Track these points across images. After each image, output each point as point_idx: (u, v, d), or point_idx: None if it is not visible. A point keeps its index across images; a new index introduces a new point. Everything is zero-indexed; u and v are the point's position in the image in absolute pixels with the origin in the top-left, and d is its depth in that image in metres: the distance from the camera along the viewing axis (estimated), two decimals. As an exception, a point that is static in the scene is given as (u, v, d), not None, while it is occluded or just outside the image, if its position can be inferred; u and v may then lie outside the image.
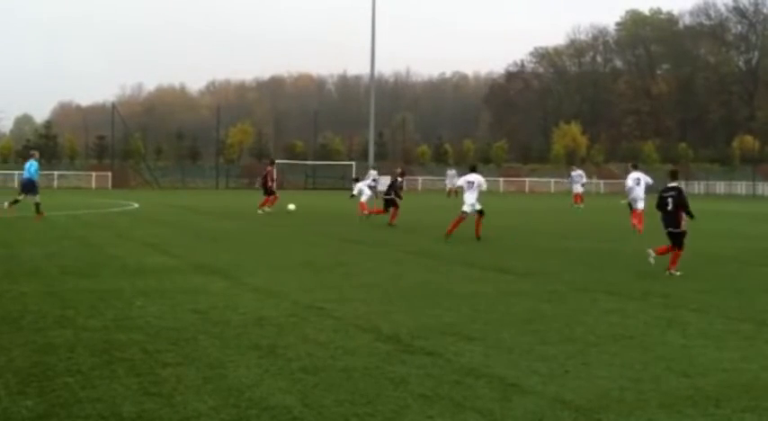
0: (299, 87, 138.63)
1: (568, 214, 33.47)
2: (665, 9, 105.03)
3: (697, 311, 9.98)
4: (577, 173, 41.53)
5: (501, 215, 32.11)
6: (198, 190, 63.82)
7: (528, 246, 18.45)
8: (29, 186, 26.06)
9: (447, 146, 77.36)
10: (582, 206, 38.33)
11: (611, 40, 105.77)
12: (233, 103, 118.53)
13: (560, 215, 32.87)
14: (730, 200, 57.95)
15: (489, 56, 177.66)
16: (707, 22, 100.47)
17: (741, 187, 70.39)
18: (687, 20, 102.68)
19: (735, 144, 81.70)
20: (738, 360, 7.45)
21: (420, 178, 68.23)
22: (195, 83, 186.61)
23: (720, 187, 71.29)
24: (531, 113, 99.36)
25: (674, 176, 14.47)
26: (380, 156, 71.99)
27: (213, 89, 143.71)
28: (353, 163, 68.40)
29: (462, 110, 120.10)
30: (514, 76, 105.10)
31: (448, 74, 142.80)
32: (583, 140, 79.60)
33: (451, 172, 51.94)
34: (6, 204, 25.85)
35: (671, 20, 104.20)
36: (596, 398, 6.13)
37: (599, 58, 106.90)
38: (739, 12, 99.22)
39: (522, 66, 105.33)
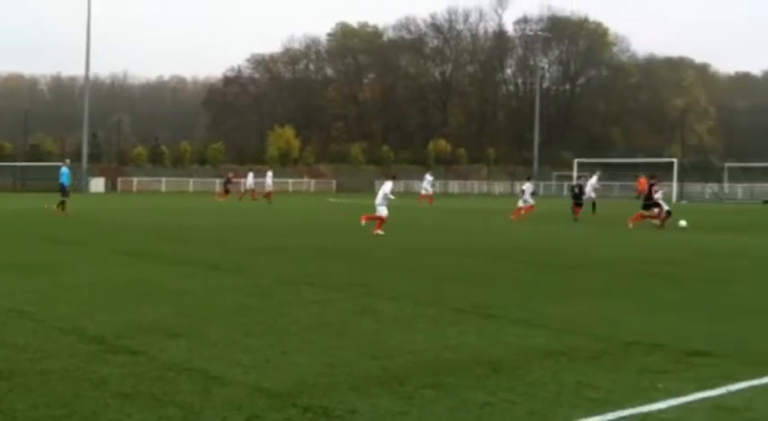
0: (9, 88, 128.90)
1: (281, 212, 33.77)
2: (371, 23, 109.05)
3: (391, 298, 10.44)
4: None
5: (217, 215, 31.82)
6: None
7: (240, 244, 18.39)
8: None
9: (164, 147, 75.36)
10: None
11: (322, 50, 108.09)
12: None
13: (275, 214, 33.09)
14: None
15: (208, 60, 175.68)
16: (408, 36, 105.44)
17: (437, 185, 74.69)
18: (391, 33, 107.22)
19: (430, 147, 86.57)
20: (423, 341, 7.87)
21: (135, 179, 65.92)
22: None
23: (418, 186, 75.29)
24: (248, 117, 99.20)
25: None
26: (95, 157, 68.77)
27: None
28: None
29: (181, 112, 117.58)
30: (232, 81, 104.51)
31: (166, 77, 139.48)
32: (296, 143, 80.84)
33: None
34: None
35: (377, 33, 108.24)
36: (292, 384, 6.23)
37: (312, 66, 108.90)
38: (436, 28, 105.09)
39: (240, 71, 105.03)
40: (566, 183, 69.55)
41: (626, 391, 6.18)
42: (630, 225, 26.04)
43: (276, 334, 8.09)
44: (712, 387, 6.33)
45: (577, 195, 31.46)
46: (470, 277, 12.93)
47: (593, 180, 36.74)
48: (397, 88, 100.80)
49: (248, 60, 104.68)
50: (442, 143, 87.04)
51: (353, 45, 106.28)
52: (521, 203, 30.61)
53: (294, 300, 10.25)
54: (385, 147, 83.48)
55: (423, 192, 46.34)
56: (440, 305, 10.01)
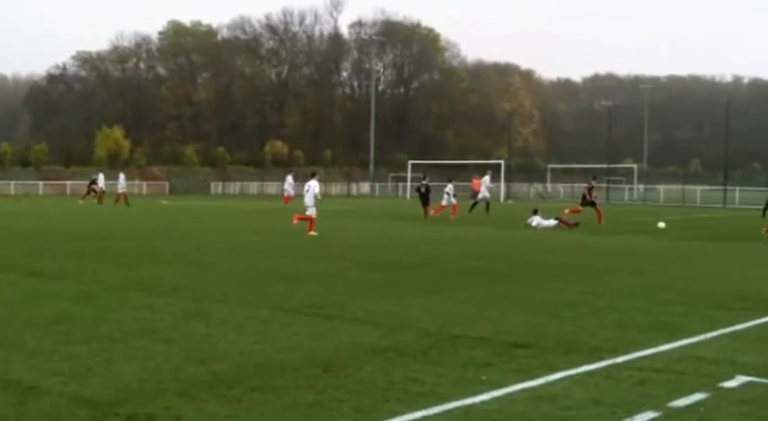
0: None
1: (111, 216, 32.57)
2: (204, 22, 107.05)
3: (221, 301, 10.27)
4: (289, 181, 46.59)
5: (44, 218, 30.37)
6: None
7: (65, 249, 17.59)
8: None
9: (-19, 148, 71.04)
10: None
11: (153, 48, 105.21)
12: None
13: (103, 217, 31.88)
14: (262, 199, 60.97)
15: (30, 58, 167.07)
16: (243, 37, 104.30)
17: (272, 187, 74.27)
18: (225, 33, 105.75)
19: (267, 148, 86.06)
20: (253, 343, 7.79)
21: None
22: None
23: (254, 187, 74.69)
24: (75, 116, 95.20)
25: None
26: None
27: None
28: None
29: (1, 112, 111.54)
30: (57, 80, 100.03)
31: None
32: (126, 144, 78.31)
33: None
34: None
35: (210, 32, 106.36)
36: (115, 392, 6.02)
37: (142, 65, 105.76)
38: (271, 29, 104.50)
39: (65, 69, 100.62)
40: (401, 184, 70.97)
41: (451, 385, 6.34)
42: (601, 222, 27.93)
43: (99, 341, 7.79)
44: (533, 377, 6.60)
45: (424, 195, 32.34)
46: (303, 277, 12.92)
47: (486, 180, 37.80)
48: (233, 89, 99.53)
49: (74, 58, 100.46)
50: (279, 145, 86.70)
51: (186, 44, 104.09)
52: (444, 202, 32.17)
53: (119, 306, 9.91)
54: (220, 148, 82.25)
55: (285, 193, 45.79)
56: (271, 306, 9.94)
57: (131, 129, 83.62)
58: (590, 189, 29.30)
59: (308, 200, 22.77)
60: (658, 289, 12.24)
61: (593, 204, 29.13)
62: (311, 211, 22.58)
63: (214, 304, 10.07)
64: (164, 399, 5.84)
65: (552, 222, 26.60)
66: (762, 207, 23.22)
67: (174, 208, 41.67)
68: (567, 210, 29.24)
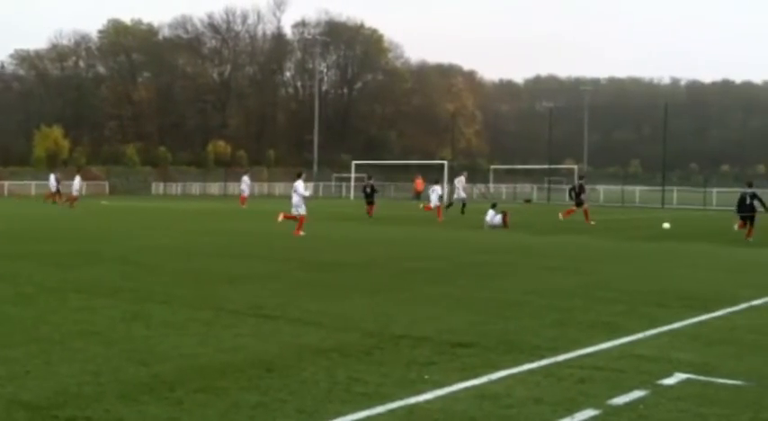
0: None
1: (50, 217, 31.94)
2: (145, 20, 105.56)
3: (163, 303, 10.15)
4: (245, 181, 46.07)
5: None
6: None
7: (1, 250, 17.20)
8: None
9: None
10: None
11: (93, 47, 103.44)
12: None
13: (41, 218, 31.25)
14: (205, 199, 60.37)
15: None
16: (185, 36, 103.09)
17: (214, 188, 73.63)
18: (166, 32, 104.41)
19: (209, 148, 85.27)
20: (196, 345, 7.72)
21: None
22: None
23: (196, 188, 73.87)
24: (12, 116, 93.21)
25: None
26: None
27: None
28: None
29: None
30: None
31: None
32: (65, 143, 76.91)
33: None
34: None
35: (151, 31, 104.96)
36: (54, 395, 5.92)
37: (82, 64, 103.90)
38: (213, 28, 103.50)
39: (3, 67, 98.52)
40: (345, 184, 70.91)
41: (395, 384, 6.36)
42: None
43: (38, 343, 7.64)
44: (475, 376, 6.65)
45: (369, 195, 32.84)
46: (247, 278, 12.83)
47: (462, 181, 38.08)
48: (174, 88, 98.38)
49: (12, 56, 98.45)
50: (222, 145, 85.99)
51: (127, 43, 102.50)
52: (436, 203, 32.31)
53: (59, 308, 9.73)
54: (162, 148, 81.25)
55: (242, 194, 45.54)
56: (214, 308, 9.85)
57: (70, 129, 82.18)
58: (581, 187, 30.42)
59: (296, 200, 23.13)
60: (598, 288, 12.43)
61: (580, 203, 30.11)
62: (301, 210, 23.01)
63: (156, 305, 9.95)
64: (104, 402, 5.76)
65: (498, 219, 27.08)
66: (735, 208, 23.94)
67: (115, 208, 41.03)
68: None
